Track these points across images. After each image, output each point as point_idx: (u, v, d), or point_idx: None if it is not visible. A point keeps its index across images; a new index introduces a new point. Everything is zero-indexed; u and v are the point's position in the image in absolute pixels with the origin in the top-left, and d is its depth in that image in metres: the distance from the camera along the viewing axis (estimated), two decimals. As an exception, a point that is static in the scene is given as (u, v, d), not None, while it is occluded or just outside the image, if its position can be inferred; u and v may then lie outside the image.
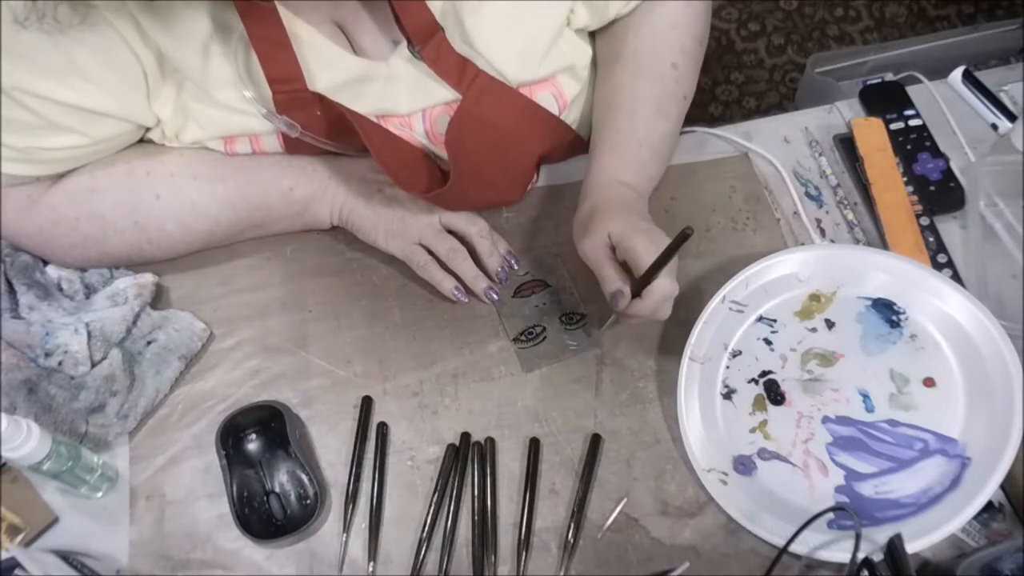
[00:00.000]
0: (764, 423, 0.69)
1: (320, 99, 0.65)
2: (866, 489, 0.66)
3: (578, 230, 0.69)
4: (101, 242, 0.71)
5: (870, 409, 0.68)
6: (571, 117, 0.78)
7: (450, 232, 0.75)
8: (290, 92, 0.64)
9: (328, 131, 0.68)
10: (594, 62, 0.78)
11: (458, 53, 0.67)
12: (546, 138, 0.76)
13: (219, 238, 0.75)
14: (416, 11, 0.64)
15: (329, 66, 0.66)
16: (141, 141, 0.73)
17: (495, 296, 0.74)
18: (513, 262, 0.77)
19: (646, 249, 0.62)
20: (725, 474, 0.67)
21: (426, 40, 0.66)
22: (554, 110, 0.74)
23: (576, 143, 0.81)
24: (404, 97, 0.70)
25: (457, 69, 0.68)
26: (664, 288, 0.63)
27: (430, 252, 0.74)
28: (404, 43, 0.67)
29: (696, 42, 0.76)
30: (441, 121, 0.71)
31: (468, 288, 0.74)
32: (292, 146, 0.71)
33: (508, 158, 0.74)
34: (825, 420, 0.68)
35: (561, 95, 0.74)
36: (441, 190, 0.69)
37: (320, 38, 0.66)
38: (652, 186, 0.75)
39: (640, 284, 0.63)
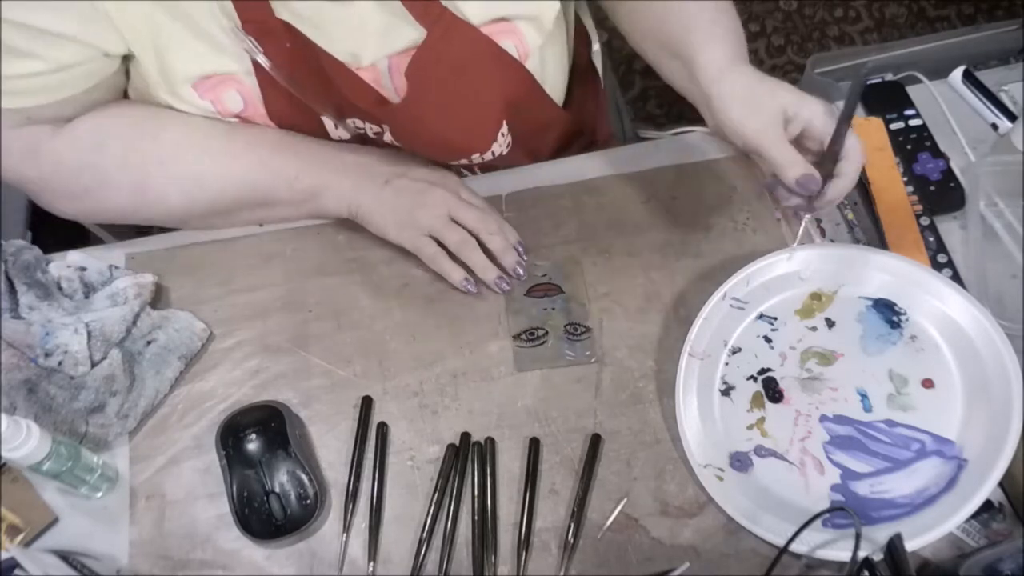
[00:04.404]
0: (762, 420, 0.69)
1: (289, 29, 0.65)
2: (862, 488, 0.66)
3: (739, 113, 0.63)
4: (100, 195, 0.71)
5: (868, 409, 0.68)
6: (532, 67, 0.77)
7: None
8: (258, 21, 0.64)
9: (294, 68, 0.67)
10: (559, 19, 0.77)
11: None
12: (509, 84, 0.75)
13: (219, 212, 0.75)
14: None
15: (292, 3, 0.65)
16: (140, 100, 0.72)
17: (506, 286, 0.74)
18: (522, 252, 0.76)
19: (826, 116, 0.60)
20: (721, 470, 0.67)
21: None
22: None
23: (542, 99, 0.80)
24: (370, 40, 0.69)
25: (422, 3, 0.67)
26: (856, 158, 0.61)
27: (440, 244, 0.74)
28: None
29: None
30: None
31: (478, 279, 0.74)
32: (270, 96, 0.71)
33: (471, 98, 0.73)
34: (823, 419, 0.68)
35: (523, 44, 0.73)
36: (394, 104, 0.68)
37: None
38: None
39: (826, 159, 0.60)
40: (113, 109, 0.72)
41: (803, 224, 0.69)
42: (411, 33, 0.69)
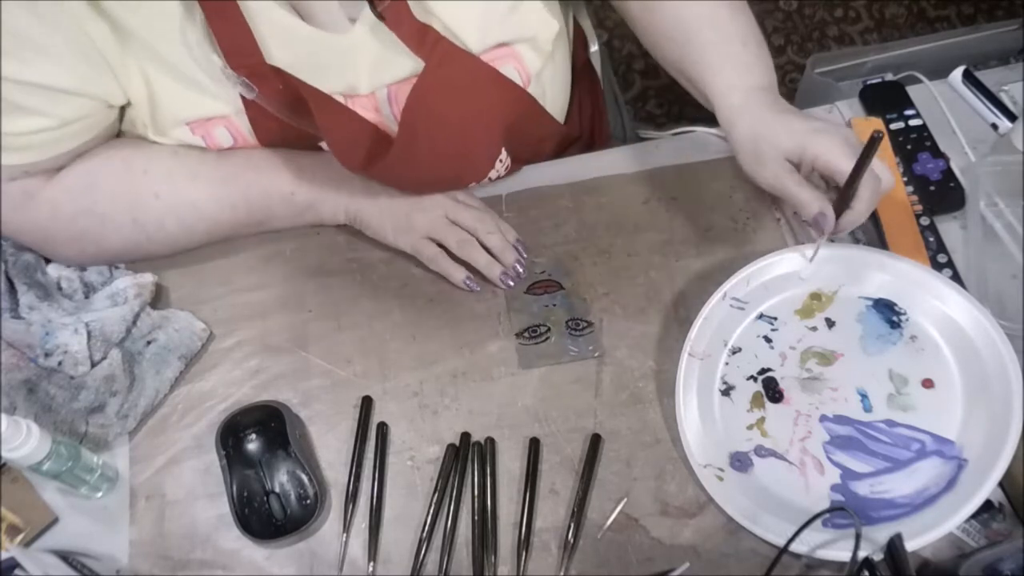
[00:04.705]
0: (762, 420, 0.69)
1: (279, 73, 0.64)
2: (862, 488, 0.66)
3: (749, 163, 0.67)
4: (99, 238, 0.71)
5: (868, 409, 0.68)
6: (534, 89, 0.76)
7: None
8: (248, 66, 0.63)
9: (288, 106, 0.67)
10: (559, 37, 0.77)
11: (418, 20, 0.66)
12: (510, 107, 0.74)
13: (219, 235, 0.75)
14: None
15: (285, 37, 0.65)
16: (127, 137, 0.72)
17: (511, 283, 0.74)
18: (522, 250, 0.76)
19: (836, 151, 0.61)
20: (721, 470, 0.67)
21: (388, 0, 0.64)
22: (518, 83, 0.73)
23: (542, 118, 0.80)
24: (366, 71, 0.69)
25: (418, 34, 0.66)
26: (872, 189, 0.62)
27: (440, 245, 0.74)
28: (362, 16, 0.65)
29: None
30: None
31: (482, 277, 0.74)
32: (261, 130, 0.70)
33: (471, 126, 0.73)
34: (823, 419, 0.68)
35: (524, 69, 0.73)
36: (381, 162, 0.67)
37: (272, 8, 0.64)
38: (775, 78, 0.71)
39: (842, 195, 0.61)
40: (102, 151, 0.71)
41: (818, 246, 0.69)
42: (408, 63, 0.69)
